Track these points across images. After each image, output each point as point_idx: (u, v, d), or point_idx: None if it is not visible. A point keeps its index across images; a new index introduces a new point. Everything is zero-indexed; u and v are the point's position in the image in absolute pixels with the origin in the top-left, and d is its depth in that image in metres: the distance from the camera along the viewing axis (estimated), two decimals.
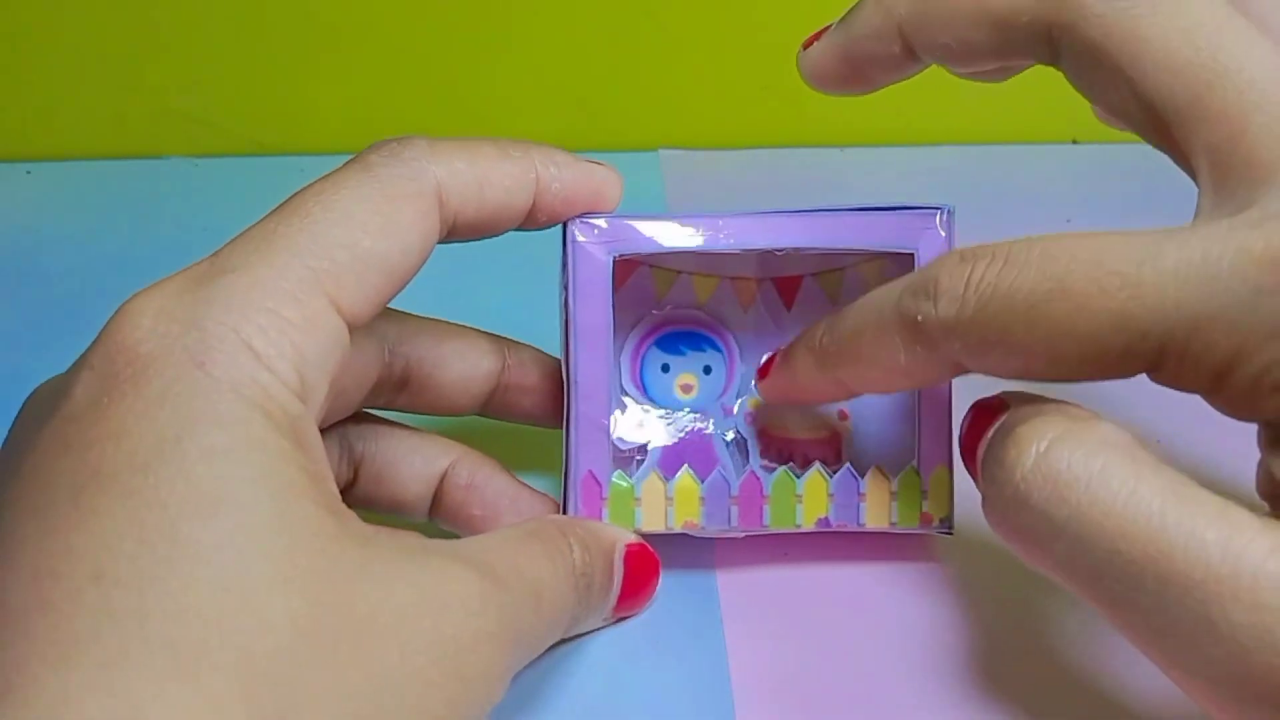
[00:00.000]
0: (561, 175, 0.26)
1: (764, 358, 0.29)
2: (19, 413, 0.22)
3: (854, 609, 0.29)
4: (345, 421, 0.28)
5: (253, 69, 0.56)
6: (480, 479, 0.29)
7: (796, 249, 0.28)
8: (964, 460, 0.26)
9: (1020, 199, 0.52)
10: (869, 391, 0.27)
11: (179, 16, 0.54)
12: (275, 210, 0.22)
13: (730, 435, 0.31)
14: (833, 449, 0.31)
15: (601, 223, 0.28)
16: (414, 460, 0.29)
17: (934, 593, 0.30)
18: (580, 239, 0.28)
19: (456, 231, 0.25)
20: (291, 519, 0.18)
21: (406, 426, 0.30)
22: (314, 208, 0.22)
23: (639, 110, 0.57)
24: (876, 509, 0.29)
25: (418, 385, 0.29)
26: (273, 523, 0.18)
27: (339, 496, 0.21)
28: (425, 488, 0.29)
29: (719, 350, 0.31)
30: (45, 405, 0.20)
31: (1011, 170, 0.55)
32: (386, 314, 0.28)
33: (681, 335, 0.31)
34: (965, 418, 0.26)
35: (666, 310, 0.31)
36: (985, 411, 0.24)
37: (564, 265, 0.28)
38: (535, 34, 0.56)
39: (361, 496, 0.29)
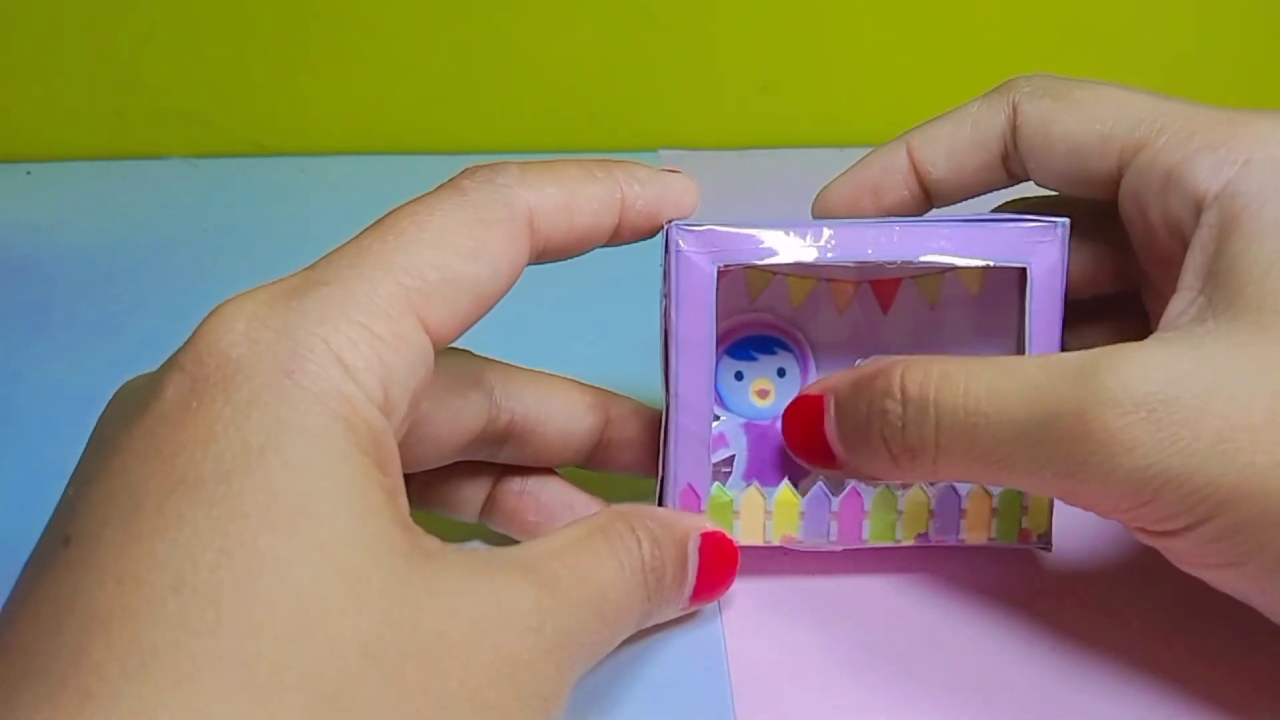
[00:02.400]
0: (645, 192, 0.26)
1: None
2: (106, 408, 0.22)
3: (853, 610, 0.29)
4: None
5: (253, 69, 0.56)
6: (534, 485, 0.30)
7: (908, 262, 0.27)
8: (812, 454, 0.28)
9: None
10: None
11: (179, 16, 0.54)
12: (370, 227, 0.22)
13: None
14: None
15: (705, 230, 0.27)
16: (466, 464, 0.29)
17: (931, 596, 0.30)
18: (683, 247, 0.27)
19: (546, 255, 0.25)
20: (367, 535, 0.19)
21: None
22: (409, 227, 0.22)
23: (639, 110, 0.57)
24: (976, 525, 0.29)
25: (521, 439, 0.29)
26: (349, 539, 0.18)
27: (406, 502, 0.21)
28: (477, 491, 0.30)
29: (790, 350, 0.30)
30: (133, 403, 0.20)
31: None
32: (495, 366, 0.28)
33: (751, 340, 0.30)
34: (786, 419, 0.29)
35: (733, 318, 0.30)
36: (808, 401, 0.28)
37: (666, 274, 0.27)
38: (535, 35, 0.56)
39: (412, 497, 0.29)
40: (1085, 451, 0.23)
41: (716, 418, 0.30)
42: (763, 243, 0.27)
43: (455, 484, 0.29)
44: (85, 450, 0.21)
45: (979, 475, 0.26)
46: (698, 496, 0.28)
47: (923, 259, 0.27)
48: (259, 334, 0.20)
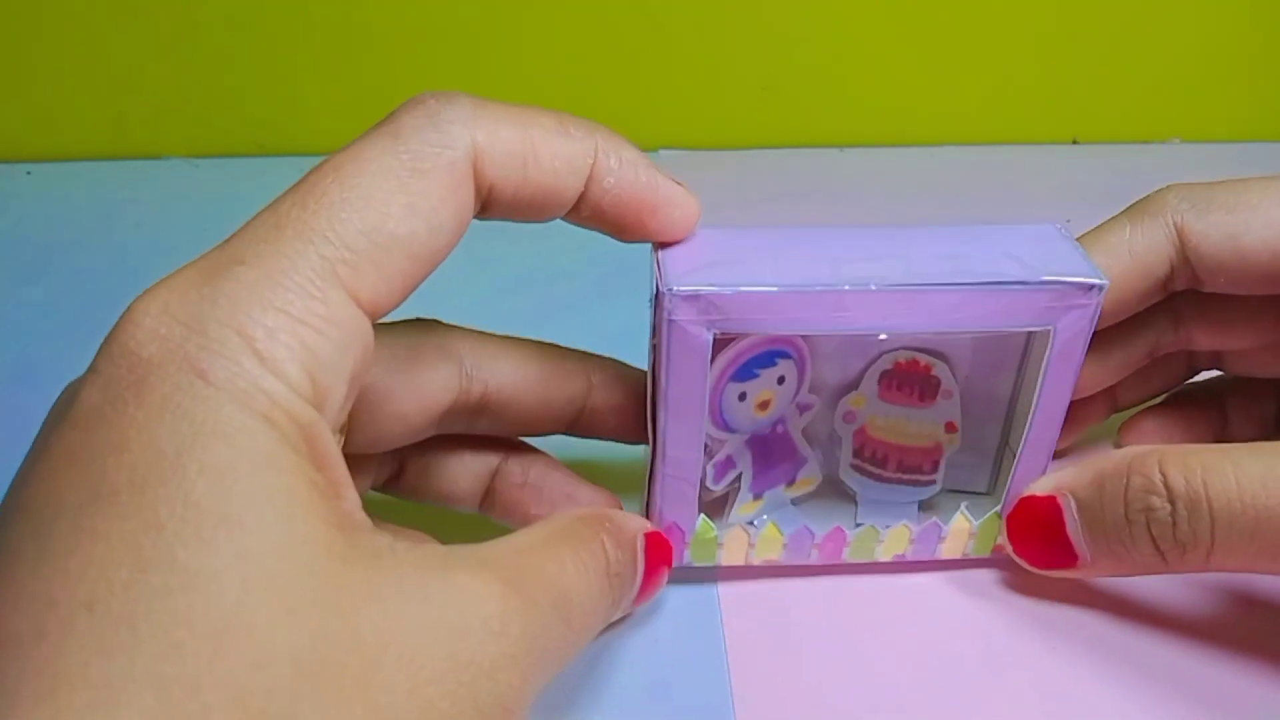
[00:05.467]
0: (621, 173, 0.23)
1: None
2: (49, 412, 0.21)
3: (853, 610, 0.29)
4: None
5: (253, 69, 0.56)
6: (535, 476, 0.29)
7: (931, 333, 0.26)
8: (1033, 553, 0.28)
9: (1020, 199, 0.52)
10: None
11: (179, 17, 0.54)
12: (291, 189, 0.20)
13: (805, 424, 0.30)
14: (930, 460, 0.30)
15: (701, 295, 0.23)
16: (463, 455, 0.28)
17: (932, 596, 0.30)
18: (677, 318, 0.23)
19: (493, 207, 0.22)
20: (296, 541, 0.17)
21: None
22: (332, 187, 0.20)
23: (639, 110, 0.57)
24: (954, 546, 0.29)
25: (498, 410, 0.27)
26: (276, 547, 0.17)
27: (358, 503, 0.20)
28: (476, 483, 0.29)
29: (789, 357, 0.28)
30: (60, 408, 0.19)
31: (1011, 170, 0.55)
32: (464, 335, 0.27)
33: (754, 360, 0.28)
34: (1014, 528, 0.28)
35: (738, 344, 0.27)
36: (1040, 505, 0.27)
37: (655, 328, 0.24)
38: (535, 35, 0.56)
39: (408, 488, 0.29)
40: None
41: (721, 441, 0.29)
42: (768, 310, 0.24)
43: (452, 478, 0.29)
44: (25, 458, 0.20)
45: (1262, 566, 0.25)
46: (682, 531, 0.28)
47: (944, 329, 0.25)
48: (169, 330, 0.18)
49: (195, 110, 0.56)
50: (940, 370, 0.29)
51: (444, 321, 0.27)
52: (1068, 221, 0.27)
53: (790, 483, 0.29)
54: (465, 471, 0.29)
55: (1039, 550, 0.28)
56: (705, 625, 0.29)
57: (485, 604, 0.19)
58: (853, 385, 0.30)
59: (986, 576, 0.30)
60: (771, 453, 0.30)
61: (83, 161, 0.56)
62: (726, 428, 0.29)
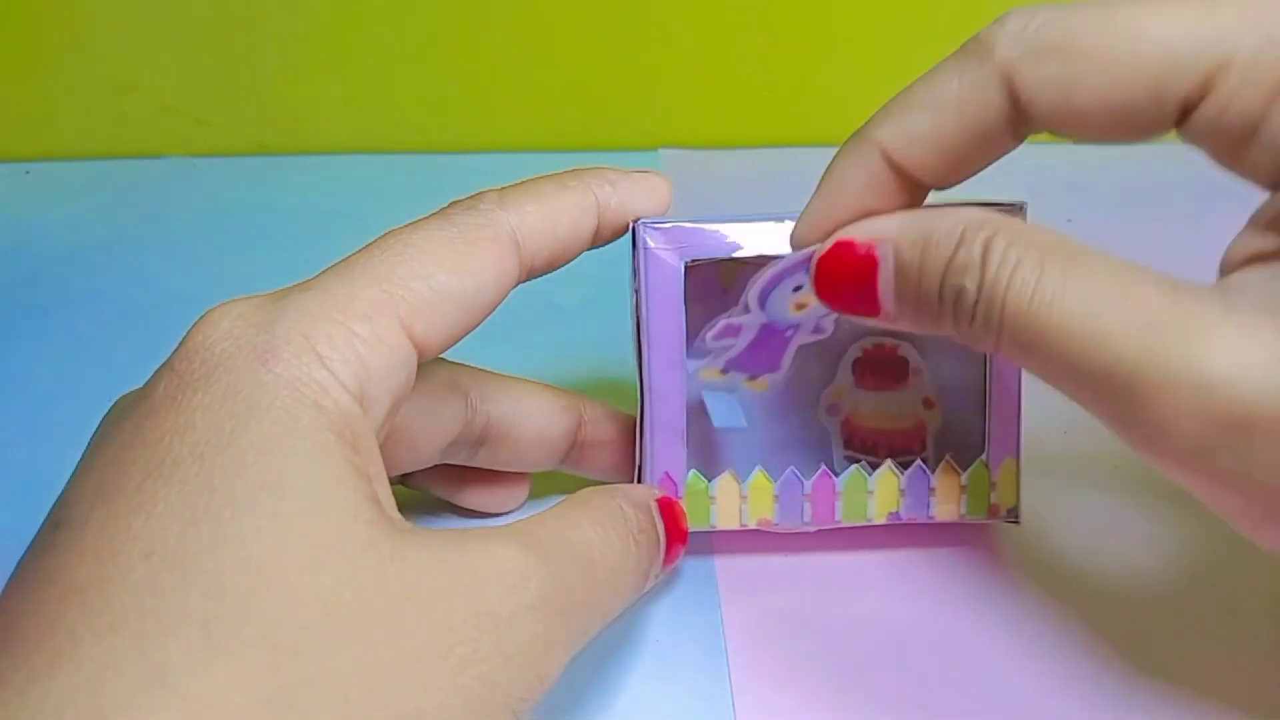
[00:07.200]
0: (618, 192, 0.27)
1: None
2: (100, 422, 0.23)
3: (854, 600, 0.29)
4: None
5: (253, 69, 0.56)
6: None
7: None
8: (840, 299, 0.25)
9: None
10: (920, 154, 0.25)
11: (179, 16, 0.54)
12: (359, 248, 0.24)
13: (806, 341, 0.30)
14: (918, 439, 0.31)
15: (671, 227, 0.28)
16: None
17: (934, 583, 0.30)
18: (651, 245, 0.28)
19: (536, 269, 0.26)
20: (330, 504, 0.20)
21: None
22: (393, 243, 0.23)
23: (639, 110, 0.57)
24: (946, 502, 0.30)
25: (496, 441, 0.30)
26: (311, 508, 0.19)
27: (388, 488, 0.22)
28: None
29: None
30: (126, 406, 0.22)
31: (1012, 170, 0.55)
32: (470, 372, 0.29)
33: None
34: (822, 272, 0.25)
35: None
36: (854, 255, 0.25)
37: (634, 271, 0.28)
38: (535, 34, 0.56)
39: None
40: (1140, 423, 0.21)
41: (747, 310, 0.28)
42: (728, 237, 0.28)
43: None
44: (83, 454, 0.22)
45: (1033, 372, 0.23)
46: (675, 484, 0.29)
47: None
48: (241, 330, 0.21)
49: (195, 110, 0.56)
50: (906, 350, 0.31)
51: (449, 359, 0.29)
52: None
53: (753, 377, 0.30)
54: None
55: (842, 296, 0.26)
56: (704, 620, 0.29)
57: (502, 561, 0.21)
58: (830, 378, 0.31)
59: (975, 553, 0.30)
60: (765, 345, 0.30)
61: (83, 161, 0.56)
62: (761, 307, 0.28)
